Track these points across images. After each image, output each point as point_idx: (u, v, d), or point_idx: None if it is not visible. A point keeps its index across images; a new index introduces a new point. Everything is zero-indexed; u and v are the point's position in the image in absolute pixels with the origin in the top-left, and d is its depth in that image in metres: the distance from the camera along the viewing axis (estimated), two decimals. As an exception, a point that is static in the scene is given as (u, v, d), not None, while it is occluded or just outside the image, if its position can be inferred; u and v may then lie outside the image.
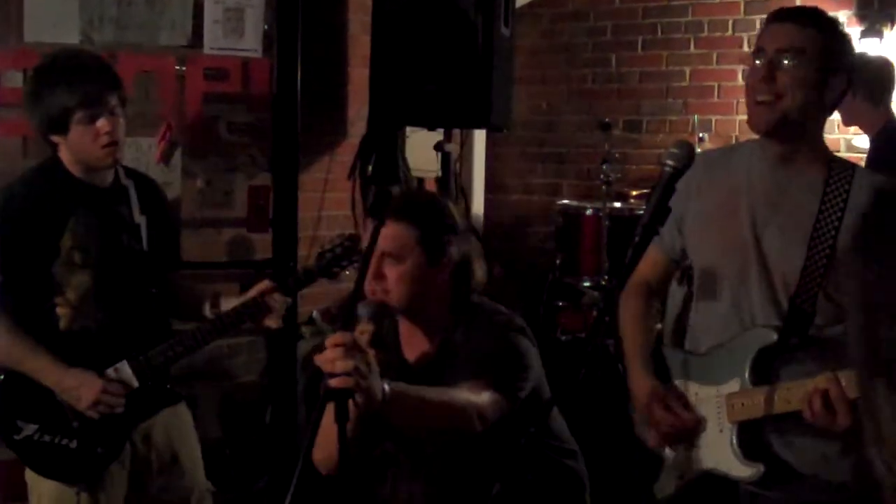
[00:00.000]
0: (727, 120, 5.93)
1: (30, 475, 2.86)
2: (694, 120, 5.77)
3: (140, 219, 2.93)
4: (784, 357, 2.22)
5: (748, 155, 2.38)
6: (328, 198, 4.92)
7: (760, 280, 2.27)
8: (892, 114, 4.30)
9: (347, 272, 2.94)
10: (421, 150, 4.83)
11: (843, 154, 4.51)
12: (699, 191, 2.40)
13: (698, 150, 2.28)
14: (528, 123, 6.53)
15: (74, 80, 2.74)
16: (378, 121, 4.21)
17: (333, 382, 1.91)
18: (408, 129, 4.74)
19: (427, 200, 2.53)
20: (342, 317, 2.14)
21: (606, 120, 5.31)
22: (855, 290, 0.96)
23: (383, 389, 2.01)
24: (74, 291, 2.80)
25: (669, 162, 1.95)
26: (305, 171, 4.61)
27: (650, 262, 2.48)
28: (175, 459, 3.02)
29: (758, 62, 2.24)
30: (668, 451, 2.42)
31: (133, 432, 2.91)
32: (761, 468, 2.22)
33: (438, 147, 4.59)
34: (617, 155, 5.33)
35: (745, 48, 5.78)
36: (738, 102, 5.76)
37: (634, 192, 5.63)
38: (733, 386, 2.26)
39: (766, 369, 2.22)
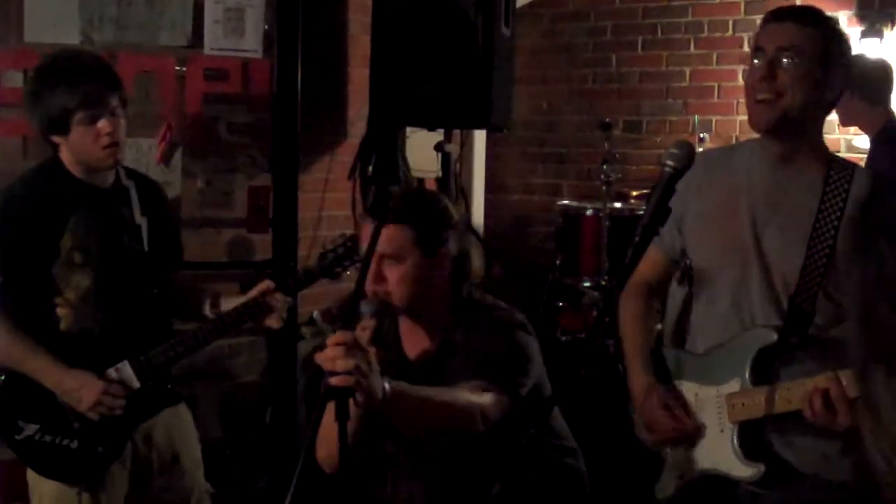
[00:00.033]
0: (727, 120, 5.93)
1: (31, 475, 2.86)
2: (694, 120, 5.77)
3: (141, 220, 2.93)
4: (784, 357, 2.22)
5: (748, 154, 2.38)
6: (328, 198, 4.92)
7: (760, 280, 2.27)
8: (892, 114, 4.30)
9: (349, 272, 2.94)
10: (421, 150, 4.83)
11: (844, 154, 4.51)
12: (699, 191, 2.40)
13: (698, 150, 2.29)
14: (528, 123, 6.54)
15: (75, 80, 2.74)
16: (378, 121, 4.21)
17: (334, 381, 1.91)
18: (408, 129, 4.73)
19: (422, 199, 2.53)
20: (343, 317, 2.14)
21: (607, 120, 5.31)
22: (855, 289, 0.96)
23: (384, 388, 2.02)
24: (75, 292, 2.79)
25: (669, 162, 1.94)
26: (305, 171, 4.61)
27: (650, 263, 2.48)
28: (176, 459, 3.02)
29: (756, 61, 2.25)
30: (668, 451, 2.42)
31: (134, 432, 2.91)
32: (762, 468, 2.22)
33: (438, 147, 4.59)
34: (617, 155, 5.33)
35: (746, 48, 5.78)
36: (738, 103, 5.76)
37: (635, 193, 5.63)
38: (733, 386, 2.26)
39: (766, 369, 2.22)
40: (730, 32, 5.97)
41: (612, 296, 2.71)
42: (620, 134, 6.04)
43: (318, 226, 4.79)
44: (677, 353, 2.47)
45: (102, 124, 2.75)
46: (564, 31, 6.54)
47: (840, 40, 2.27)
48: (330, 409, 1.92)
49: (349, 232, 2.91)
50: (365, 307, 2.29)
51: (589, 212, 5.27)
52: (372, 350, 2.13)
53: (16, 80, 3.77)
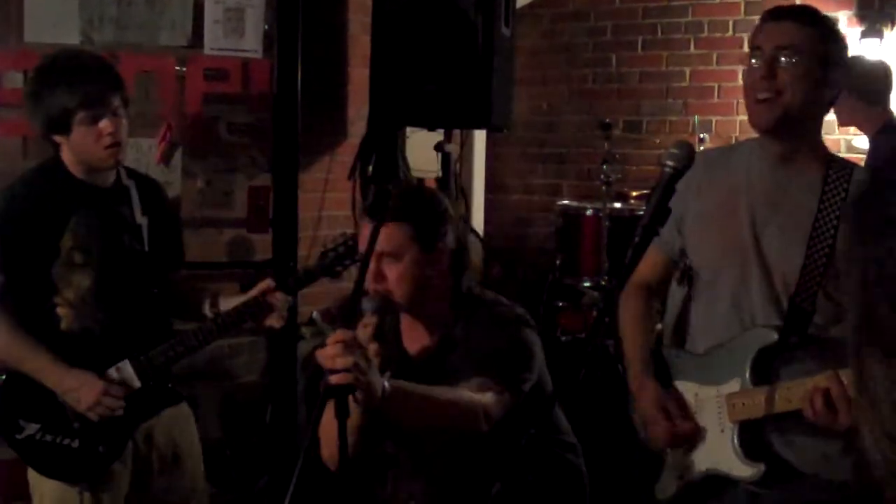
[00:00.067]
0: (727, 120, 5.93)
1: (32, 475, 2.86)
2: (694, 120, 5.77)
3: (142, 219, 2.93)
4: (784, 356, 2.22)
5: (747, 154, 2.38)
6: (328, 198, 4.92)
7: (760, 280, 2.28)
8: (891, 114, 4.31)
9: (349, 271, 2.94)
10: (421, 150, 4.82)
11: (844, 154, 4.51)
12: (699, 191, 2.40)
13: (698, 150, 2.29)
14: (528, 124, 6.53)
15: (76, 80, 2.74)
16: (378, 121, 4.21)
17: (333, 379, 1.92)
18: (408, 129, 4.73)
19: (418, 196, 2.54)
20: (343, 317, 2.14)
21: (607, 120, 5.30)
22: (855, 287, 0.96)
23: (383, 386, 2.02)
24: (75, 292, 2.80)
25: (669, 163, 1.95)
26: (305, 171, 4.60)
27: (650, 263, 2.48)
28: (177, 459, 3.03)
29: (754, 61, 2.25)
30: (668, 452, 2.42)
31: (135, 432, 2.91)
32: (762, 468, 2.22)
33: (439, 147, 4.59)
34: (617, 155, 5.32)
35: (746, 49, 5.74)
36: (738, 103, 5.76)
37: (634, 193, 5.63)
38: (734, 386, 2.26)
39: (766, 369, 2.22)
40: (730, 33, 5.97)
41: (612, 296, 2.71)
42: (620, 134, 6.04)
43: (318, 226, 4.79)
44: (677, 354, 2.48)
45: (104, 124, 2.75)
46: (564, 31, 6.54)
47: (837, 39, 2.28)
48: (331, 407, 1.93)
49: (350, 231, 2.91)
50: (366, 304, 2.30)
51: (589, 212, 5.27)
52: (374, 346, 2.14)
53: (16, 80, 3.77)
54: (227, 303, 2.94)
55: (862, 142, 4.95)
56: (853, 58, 4.53)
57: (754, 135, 2.37)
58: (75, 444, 2.80)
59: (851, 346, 0.96)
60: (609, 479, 3.05)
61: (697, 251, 2.44)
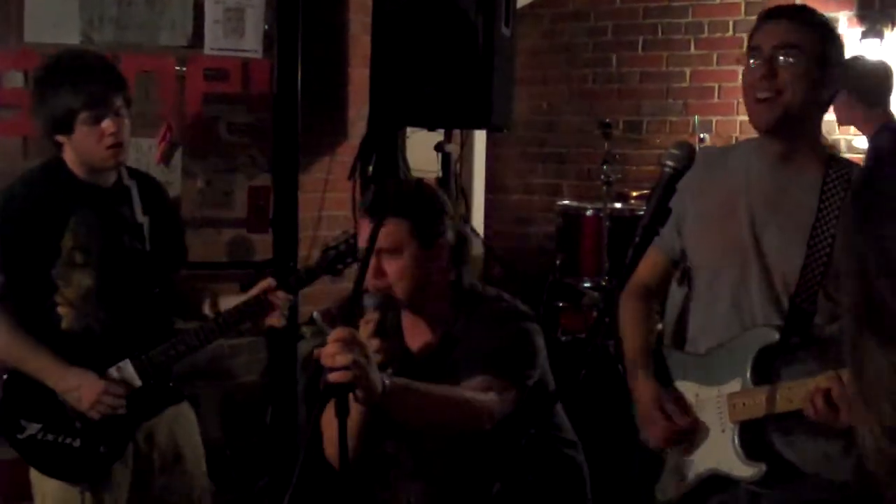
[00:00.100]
0: (728, 121, 5.93)
1: (34, 475, 2.87)
2: (694, 121, 5.77)
3: (143, 219, 2.93)
4: (785, 356, 2.22)
5: (746, 154, 2.39)
6: (328, 198, 4.92)
7: (760, 280, 2.28)
8: (891, 116, 4.31)
9: (350, 271, 2.94)
10: (421, 150, 4.82)
11: (844, 154, 4.51)
12: (698, 191, 2.40)
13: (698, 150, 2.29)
14: (528, 124, 6.53)
15: (79, 80, 2.74)
16: (378, 121, 4.21)
17: (332, 377, 1.92)
18: (408, 129, 4.73)
19: (416, 192, 2.54)
20: (343, 316, 2.14)
21: (607, 120, 5.30)
22: (853, 268, 0.96)
23: (383, 382, 2.02)
24: (76, 291, 2.80)
25: (669, 163, 1.95)
26: (306, 171, 4.61)
27: (650, 264, 2.48)
28: (178, 458, 3.03)
29: (753, 61, 2.26)
30: (669, 452, 2.42)
31: (136, 431, 2.91)
32: (763, 468, 2.22)
33: (439, 147, 4.59)
34: (617, 155, 5.32)
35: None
36: (738, 103, 5.75)
37: (635, 193, 5.62)
38: (734, 386, 2.26)
39: (767, 369, 2.22)
40: (730, 33, 5.97)
41: (612, 296, 2.71)
42: (621, 134, 6.03)
43: (318, 226, 4.79)
44: (677, 354, 2.48)
45: (106, 124, 2.75)
46: (565, 31, 6.54)
47: (834, 38, 2.30)
48: (332, 406, 1.93)
49: (351, 230, 2.91)
50: (368, 301, 2.30)
51: (589, 212, 5.27)
52: (376, 343, 2.14)
53: (16, 80, 3.78)
54: (228, 302, 2.94)
55: (862, 142, 4.95)
56: (854, 58, 4.53)
57: (755, 135, 2.37)
58: (76, 443, 2.80)
59: (849, 333, 0.96)
60: (609, 480, 3.04)
61: (697, 251, 2.44)
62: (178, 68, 3.97)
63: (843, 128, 4.82)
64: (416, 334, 2.50)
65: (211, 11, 3.96)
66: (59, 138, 2.80)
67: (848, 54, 4.56)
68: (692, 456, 2.36)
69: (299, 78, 3.99)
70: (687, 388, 2.39)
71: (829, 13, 5.57)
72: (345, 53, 5.10)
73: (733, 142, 5.48)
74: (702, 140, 5.36)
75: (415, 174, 4.91)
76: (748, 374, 2.24)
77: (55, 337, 2.79)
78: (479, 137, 6.44)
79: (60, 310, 2.80)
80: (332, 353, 1.93)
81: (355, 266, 2.88)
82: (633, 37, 6.31)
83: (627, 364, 2.53)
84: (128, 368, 2.82)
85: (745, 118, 2.34)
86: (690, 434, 2.34)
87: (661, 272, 2.57)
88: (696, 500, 2.38)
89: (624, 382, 2.54)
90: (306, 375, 4.12)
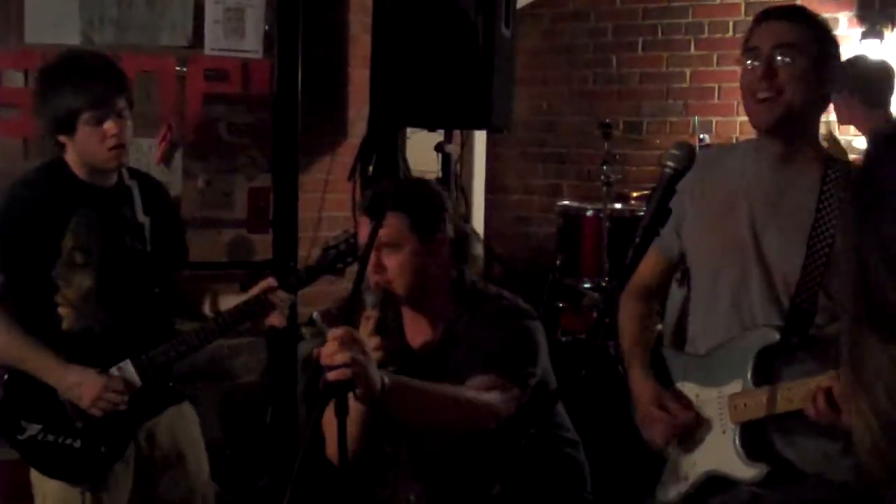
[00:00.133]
0: (728, 121, 5.93)
1: (34, 475, 2.86)
2: (694, 121, 5.77)
3: (144, 219, 2.93)
4: (786, 357, 2.22)
5: (744, 155, 2.39)
6: (328, 199, 4.92)
7: (760, 280, 2.28)
8: (892, 116, 4.30)
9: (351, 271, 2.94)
10: (421, 150, 4.82)
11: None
12: (698, 192, 2.40)
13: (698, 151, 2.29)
14: (528, 124, 6.53)
15: (82, 81, 2.75)
16: (378, 121, 4.21)
17: (331, 376, 1.92)
18: (408, 129, 4.73)
19: (415, 187, 2.55)
20: (343, 317, 2.14)
21: (607, 121, 5.30)
22: (853, 256, 0.96)
23: (383, 380, 2.02)
24: (76, 292, 2.80)
25: (670, 163, 1.95)
26: (306, 171, 4.61)
27: (649, 265, 2.48)
28: (179, 458, 3.02)
29: (750, 62, 2.27)
30: (670, 452, 2.42)
31: (137, 432, 2.91)
32: (765, 468, 2.21)
33: (439, 148, 4.59)
34: (617, 156, 5.32)
35: (746, 50, 5.78)
36: (738, 104, 5.75)
37: (635, 194, 5.63)
38: (735, 387, 2.26)
39: (767, 369, 2.22)
40: (730, 33, 5.97)
41: (612, 297, 2.71)
42: (621, 135, 6.03)
43: (318, 226, 4.79)
44: (678, 355, 2.47)
45: (109, 125, 2.75)
46: (565, 31, 6.54)
47: (830, 36, 2.31)
48: (332, 405, 1.93)
49: (352, 229, 2.91)
50: (368, 298, 2.30)
51: (589, 212, 5.27)
52: (376, 340, 2.14)
53: (16, 80, 3.78)
54: (228, 302, 2.94)
55: (862, 142, 4.94)
56: (855, 57, 4.53)
57: (755, 135, 2.37)
58: (77, 444, 2.80)
59: (848, 329, 0.96)
60: (610, 481, 3.04)
61: (697, 252, 2.44)
62: (178, 69, 3.97)
63: (843, 128, 4.82)
64: (418, 332, 2.50)
65: (211, 12, 3.96)
66: (62, 139, 2.80)
67: (848, 55, 4.58)
68: (693, 457, 2.35)
69: (299, 78, 3.99)
70: (687, 390, 2.39)
71: (829, 14, 5.58)
72: (345, 54, 5.10)
73: (733, 142, 5.49)
74: (702, 140, 5.36)
75: (415, 174, 4.91)
76: (749, 375, 2.23)
77: (55, 337, 2.78)
78: (480, 138, 6.45)
79: (61, 310, 2.80)
80: (331, 352, 1.94)
81: (356, 265, 2.89)
82: (633, 37, 6.32)
83: (627, 365, 2.53)
84: (128, 369, 2.82)
85: (746, 119, 2.34)
86: (692, 430, 2.34)
87: (661, 273, 2.57)
88: (696, 501, 2.37)
89: (624, 383, 2.54)
90: (306, 376, 4.12)
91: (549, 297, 5.32)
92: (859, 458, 0.94)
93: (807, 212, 2.23)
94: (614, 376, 3.98)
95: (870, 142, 1.03)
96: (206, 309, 2.97)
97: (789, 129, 2.26)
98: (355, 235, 2.82)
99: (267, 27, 4.04)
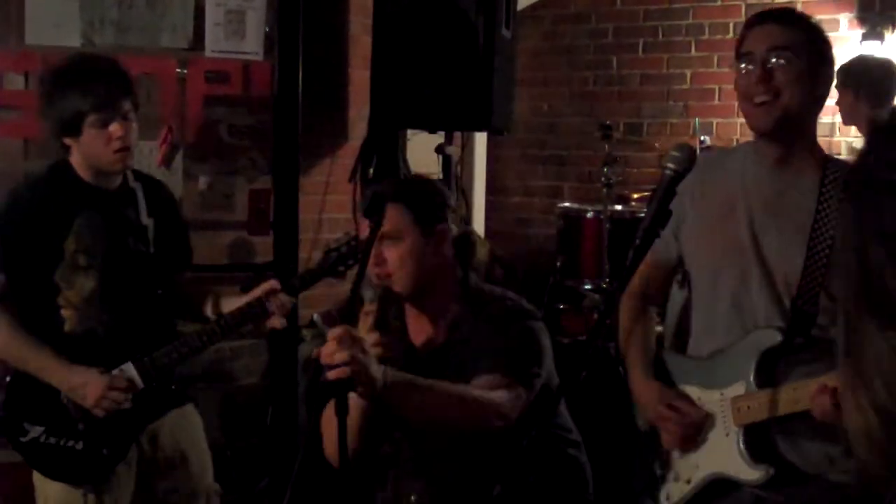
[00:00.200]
0: (728, 123, 5.93)
1: (37, 477, 2.87)
2: (695, 123, 5.77)
3: (148, 221, 2.94)
4: (788, 358, 2.21)
5: (743, 158, 2.40)
6: (329, 200, 4.92)
7: (761, 281, 2.28)
8: (894, 118, 4.29)
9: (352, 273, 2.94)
10: (422, 152, 4.82)
11: (845, 156, 4.51)
12: (698, 194, 2.41)
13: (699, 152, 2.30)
14: (528, 125, 6.54)
15: (88, 83, 2.75)
16: (379, 123, 4.21)
17: (331, 375, 1.93)
18: (409, 131, 4.73)
19: (416, 181, 2.55)
20: (344, 318, 2.14)
21: (607, 122, 5.31)
22: (852, 243, 0.96)
23: (384, 376, 2.02)
24: (79, 294, 2.80)
25: (670, 165, 1.95)
26: (306, 173, 4.61)
27: (649, 268, 2.48)
28: (182, 461, 3.02)
29: (745, 66, 2.27)
30: (673, 455, 2.41)
31: (140, 434, 2.91)
32: (770, 470, 2.21)
33: (439, 149, 4.59)
34: (618, 157, 5.32)
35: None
36: (738, 105, 5.75)
37: (635, 195, 5.63)
38: (738, 389, 2.26)
39: (770, 371, 2.22)
40: (730, 35, 5.96)
41: (613, 298, 2.71)
42: (621, 136, 6.03)
43: (318, 228, 4.79)
44: (679, 358, 2.47)
45: (114, 128, 2.75)
46: (565, 33, 6.54)
47: (823, 37, 2.31)
48: (332, 405, 1.93)
49: (353, 231, 2.91)
50: (367, 293, 2.29)
51: (590, 214, 5.27)
52: (375, 336, 2.14)
53: (17, 82, 3.78)
54: (230, 304, 2.95)
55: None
56: (858, 57, 4.52)
57: (754, 137, 2.38)
58: (79, 446, 2.81)
59: (846, 318, 0.96)
60: (611, 483, 3.04)
61: (697, 253, 2.44)
62: (178, 70, 3.97)
63: (844, 130, 4.81)
64: (421, 331, 2.49)
65: (212, 13, 3.96)
66: (67, 141, 2.81)
67: (849, 56, 4.58)
68: (695, 459, 2.35)
69: (300, 80, 3.99)
70: (690, 393, 2.38)
71: (829, 15, 5.58)
72: (345, 55, 5.10)
73: (734, 144, 5.49)
74: (702, 142, 5.36)
75: (415, 176, 4.91)
76: (752, 377, 2.23)
77: (58, 339, 2.79)
78: (480, 139, 6.45)
79: (63, 312, 2.80)
80: (331, 352, 1.94)
81: (357, 268, 2.89)
82: (633, 39, 6.32)
83: (628, 367, 2.53)
84: (130, 370, 2.82)
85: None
86: (700, 428, 2.33)
87: (660, 276, 2.57)
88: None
89: (625, 384, 2.53)
90: (307, 377, 4.12)
91: (550, 299, 5.32)
92: (858, 456, 0.94)
93: (806, 212, 2.24)
94: (615, 378, 3.99)
95: (869, 131, 1.03)
96: (209, 311, 2.97)
97: (787, 131, 2.26)
98: (356, 238, 2.82)
99: (267, 29, 4.04)
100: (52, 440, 2.80)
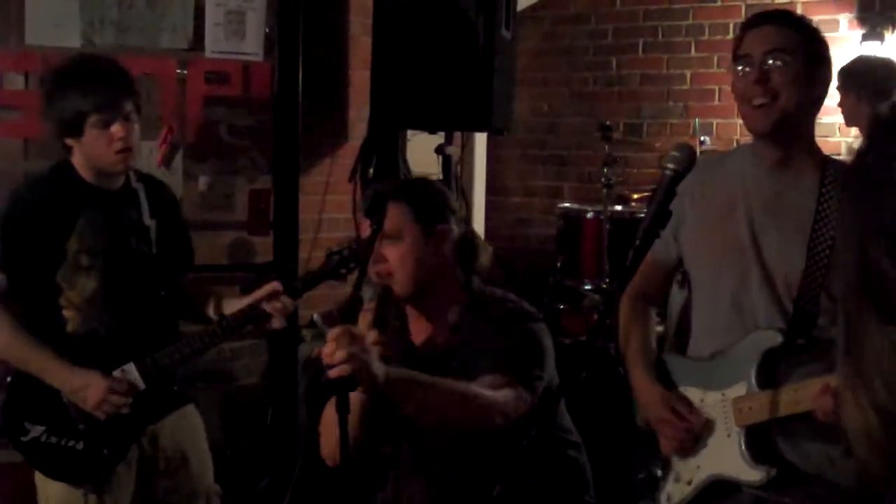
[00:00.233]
0: (728, 123, 5.93)
1: (38, 477, 2.87)
2: (695, 123, 5.77)
3: (150, 222, 2.93)
4: (790, 359, 2.21)
5: (742, 159, 2.40)
6: (329, 200, 4.92)
7: (761, 281, 2.28)
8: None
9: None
10: (422, 152, 4.82)
11: (845, 157, 4.51)
12: (698, 195, 2.41)
13: (699, 153, 2.30)
14: (529, 126, 6.54)
15: (89, 84, 2.75)
16: (379, 123, 4.21)
17: (332, 373, 1.93)
18: (409, 131, 4.74)
19: (419, 182, 2.55)
20: (344, 318, 2.13)
21: (607, 123, 5.30)
22: (852, 238, 0.96)
23: (385, 371, 2.02)
24: (81, 294, 2.80)
25: (670, 165, 1.95)
26: (306, 173, 4.61)
27: (649, 267, 2.48)
28: (183, 461, 3.02)
29: (741, 68, 2.28)
30: (673, 457, 2.41)
31: (141, 434, 2.91)
32: (771, 471, 2.21)
33: (439, 150, 4.59)
34: (618, 158, 5.32)
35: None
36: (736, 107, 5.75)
37: (635, 195, 5.63)
38: (739, 390, 2.26)
39: (772, 372, 2.22)
40: (731, 35, 5.95)
41: (613, 298, 2.71)
42: (621, 137, 6.04)
43: (318, 228, 4.79)
44: (679, 360, 2.47)
45: (116, 129, 2.75)
46: (565, 33, 6.54)
47: (819, 37, 2.31)
48: (332, 405, 1.93)
49: (353, 233, 2.92)
50: (366, 291, 2.29)
51: (590, 214, 5.27)
52: (374, 334, 2.14)
53: (17, 82, 3.78)
54: (232, 305, 2.95)
55: (863, 145, 4.94)
56: (859, 57, 4.52)
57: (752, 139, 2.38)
58: (80, 446, 2.81)
59: (846, 314, 0.96)
60: (611, 484, 3.04)
61: (697, 253, 2.45)
62: (178, 71, 3.97)
63: (845, 130, 4.81)
64: (423, 333, 2.49)
65: (212, 14, 3.96)
66: (69, 141, 2.81)
67: (849, 57, 4.58)
68: (696, 460, 2.35)
69: (300, 80, 3.99)
70: (690, 394, 2.38)
71: (829, 15, 5.58)
72: (345, 55, 5.11)
73: (734, 144, 5.49)
74: (702, 143, 5.36)
75: (415, 176, 4.91)
76: (753, 378, 2.23)
77: (60, 339, 2.79)
78: (480, 140, 6.45)
79: (66, 313, 2.80)
80: (331, 352, 1.94)
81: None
82: (633, 39, 6.32)
83: (628, 367, 2.53)
84: (132, 371, 2.82)
85: (746, 121, 2.35)
86: (700, 434, 2.33)
87: (661, 276, 2.58)
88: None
89: (625, 385, 2.53)
90: (307, 377, 4.12)
91: (550, 299, 5.32)
92: (857, 456, 0.94)
93: (806, 213, 2.24)
94: (615, 378, 3.99)
95: (870, 126, 1.03)
96: (211, 312, 2.97)
97: (785, 132, 2.27)
98: (358, 241, 2.82)
99: (267, 29, 4.04)
100: (53, 440, 2.80)
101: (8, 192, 2.88)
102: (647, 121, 6.30)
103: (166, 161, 3.95)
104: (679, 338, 2.54)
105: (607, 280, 4.98)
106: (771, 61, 2.23)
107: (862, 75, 4.16)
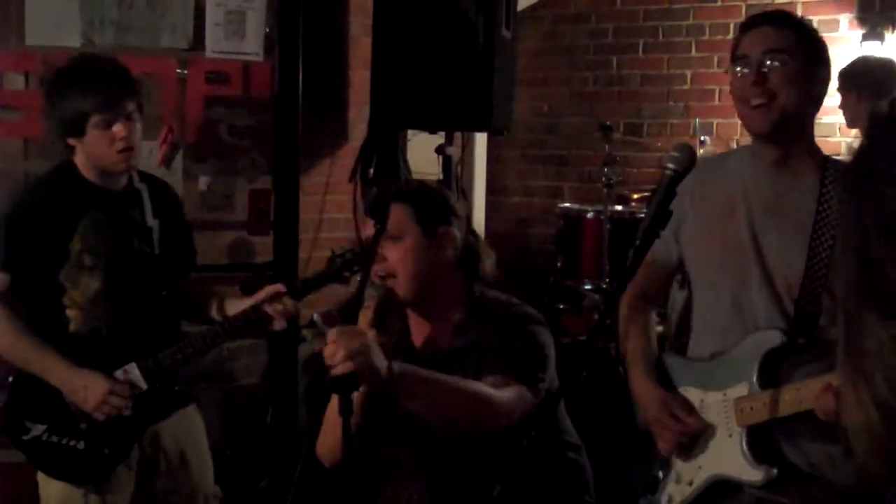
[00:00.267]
0: (728, 123, 5.93)
1: (40, 476, 2.88)
2: (695, 123, 5.77)
3: (153, 222, 2.94)
4: (791, 359, 2.21)
5: (742, 160, 2.40)
6: (329, 201, 4.92)
7: (761, 282, 2.28)
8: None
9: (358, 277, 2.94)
10: (422, 152, 4.83)
11: (845, 157, 4.51)
12: (698, 195, 2.41)
13: (699, 153, 2.30)
14: (529, 126, 6.54)
15: (91, 84, 2.76)
16: (379, 123, 4.21)
17: (335, 371, 1.93)
18: (409, 131, 4.74)
19: (422, 184, 2.56)
20: (344, 319, 2.14)
21: (607, 123, 5.31)
22: (852, 234, 0.96)
23: (389, 366, 2.02)
24: (84, 294, 2.80)
25: (670, 165, 1.95)
26: (306, 173, 4.61)
27: (649, 267, 2.48)
28: (183, 461, 3.03)
29: (740, 69, 2.28)
30: (674, 458, 2.41)
31: (142, 435, 2.92)
32: (773, 471, 2.21)
33: (439, 150, 4.59)
34: (618, 158, 5.32)
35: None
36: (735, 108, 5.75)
37: (635, 195, 5.63)
38: (741, 390, 2.25)
39: (773, 372, 2.22)
40: (731, 36, 5.94)
41: (613, 298, 2.71)
42: (621, 136, 6.04)
43: (319, 228, 4.79)
44: (680, 360, 2.47)
45: (118, 128, 2.76)
46: (566, 33, 6.54)
47: (816, 37, 2.32)
48: (333, 404, 1.93)
49: (353, 234, 2.92)
50: (369, 293, 2.29)
51: (590, 214, 5.27)
52: (373, 334, 2.14)
53: (17, 82, 3.78)
54: (234, 306, 2.95)
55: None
56: (860, 58, 4.52)
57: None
58: (81, 445, 2.81)
59: (846, 309, 0.96)
60: (611, 485, 3.04)
61: (697, 254, 2.45)
62: (179, 71, 3.97)
63: (845, 130, 4.81)
64: (424, 337, 2.49)
65: (212, 14, 3.96)
66: (71, 141, 2.81)
67: (849, 57, 4.58)
68: (697, 461, 2.35)
69: (300, 80, 3.99)
70: (690, 395, 2.38)
71: (830, 15, 5.58)
72: (345, 56, 5.11)
73: (734, 145, 5.49)
74: (703, 143, 5.36)
75: (416, 176, 4.91)
76: (755, 378, 2.23)
77: (63, 339, 2.79)
78: (480, 140, 6.45)
79: (68, 312, 2.80)
80: (332, 352, 1.94)
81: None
82: (633, 39, 6.32)
83: (628, 368, 2.53)
84: (133, 372, 2.82)
85: (747, 122, 2.35)
86: (699, 437, 2.33)
87: (661, 276, 2.58)
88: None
89: (625, 384, 2.53)
90: (307, 377, 4.12)
91: (550, 299, 5.32)
92: (857, 455, 0.94)
93: (807, 213, 2.24)
94: (615, 378, 3.99)
95: (869, 123, 1.03)
96: (214, 312, 2.98)
97: (785, 133, 2.27)
98: (362, 245, 2.82)
99: (268, 29, 4.04)
100: (54, 439, 2.81)
101: (9, 192, 2.89)
102: (647, 121, 6.30)
103: (166, 161, 3.95)
104: (679, 338, 2.54)
105: (607, 280, 4.98)
106: (769, 62, 2.23)
107: (862, 76, 4.16)
